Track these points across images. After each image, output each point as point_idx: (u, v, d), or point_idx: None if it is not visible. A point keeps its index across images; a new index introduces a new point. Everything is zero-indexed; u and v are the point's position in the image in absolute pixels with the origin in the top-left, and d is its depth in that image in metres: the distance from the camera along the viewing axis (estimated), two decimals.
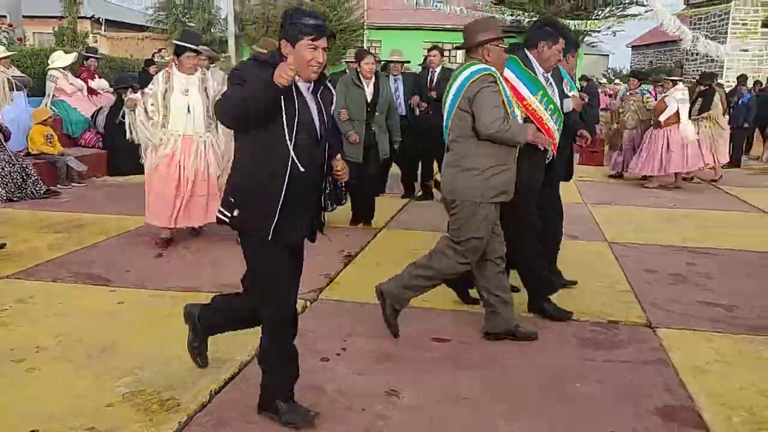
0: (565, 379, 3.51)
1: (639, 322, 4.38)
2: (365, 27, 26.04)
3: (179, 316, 4.18)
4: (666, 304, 4.72)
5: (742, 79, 13.98)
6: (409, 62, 9.25)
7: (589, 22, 22.67)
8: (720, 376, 3.57)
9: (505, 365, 3.68)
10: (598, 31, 23.85)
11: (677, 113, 9.87)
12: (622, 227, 7.15)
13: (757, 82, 16.86)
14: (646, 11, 25.02)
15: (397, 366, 3.64)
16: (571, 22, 21.78)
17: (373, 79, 6.75)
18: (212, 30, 26.48)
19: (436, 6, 22.57)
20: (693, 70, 24.17)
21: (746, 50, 23.87)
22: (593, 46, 28.56)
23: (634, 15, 24.94)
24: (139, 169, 9.73)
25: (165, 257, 5.69)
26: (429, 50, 8.69)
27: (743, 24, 24.04)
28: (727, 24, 24.08)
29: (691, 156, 9.91)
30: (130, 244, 6.11)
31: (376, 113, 6.76)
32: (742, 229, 7.32)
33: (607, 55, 41.64)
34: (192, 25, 26.03)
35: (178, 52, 5.79)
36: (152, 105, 5.75)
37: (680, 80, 10.23)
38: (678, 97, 9.84)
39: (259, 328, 3.12)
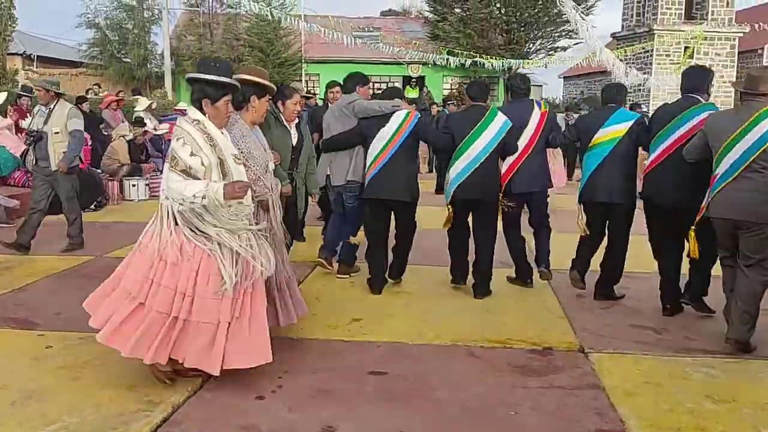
0: (499, 408, 3.55)
1: (572, 347, 4.48)
2: (303, 61, 26.22)
3: (110, 359, 4.10)
4: (598, 329, 4.84)
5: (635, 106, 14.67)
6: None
7: (527, 60, 23.38)
8: (650, 399, 3.67)
9: (441, 397, 3.70)
10: (528, 65, 24.60)
11: None
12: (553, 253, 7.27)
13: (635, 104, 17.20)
14: (575, 44, 26.07)
15: (334, 401, 3.61)
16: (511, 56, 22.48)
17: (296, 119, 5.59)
18: (148, 66, 26.22)
19: (373, 43, 22.93)
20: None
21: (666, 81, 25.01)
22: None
23: (564, 47, 25.95)
24: None
25: None
26: (330, 85, 8.09)
27: (667, 55, 25.24)
28: (651, 57, 25.25)
29: None
30: (61, 285, 5.93)
31: (299, 161, 5.62)
32: None
33: (541, 86, 42.99)
34: (128, 60, 25.75)
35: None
36: None
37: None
38: None
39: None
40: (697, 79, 5.12)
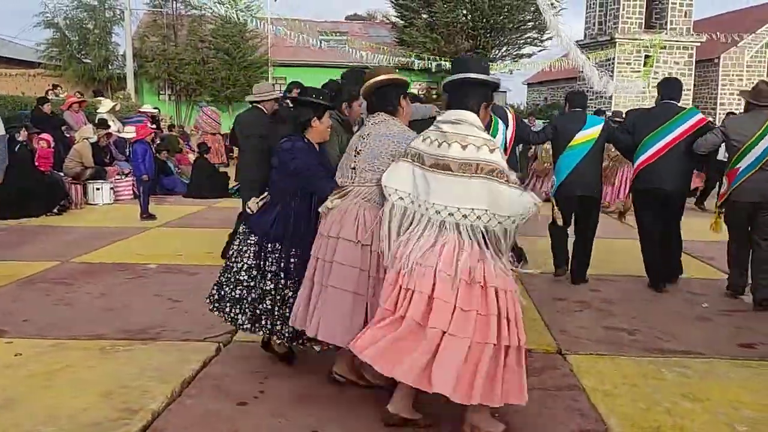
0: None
1: (550, 350, 4.53)
2: (270, 64, 26.07)
3: (82, 366, 4.00)
4: (574, 331, 4.90)
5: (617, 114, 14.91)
6: None
7: (492, 64, 23.59)
8: (628, 399, 3.73)
9: (424, 399, 3.68)
10: (493, 70, 24.84)
11: None
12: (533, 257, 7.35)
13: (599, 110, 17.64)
14: (540, 51, 26.47)
15: (319, 406, 3.58)
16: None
17: None
18: (110, 67, 25.76)
19: (341, 47, 22.94)
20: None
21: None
22: None
23: (529, 54, 26.30)
24: (34, 212, 9.35)
25: (66, 303, 5.40)
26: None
27: (627, 63, 25.74)
28: (613, 64, 25.73)
29: None
30: (26, 291, 5.76)
31: None
32: (636, 255, 7.68)
33: (505, 92, 43.52)
34: (88, 61, 25.26)
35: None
36: None
37: None
38: None
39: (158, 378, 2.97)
40: (674, 89, 6.11)
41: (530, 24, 25.91)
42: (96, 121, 12.76)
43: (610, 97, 25.34)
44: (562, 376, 4.05)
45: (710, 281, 6.49)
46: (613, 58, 25.83)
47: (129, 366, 4.04)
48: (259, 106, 6.63)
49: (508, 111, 6.29)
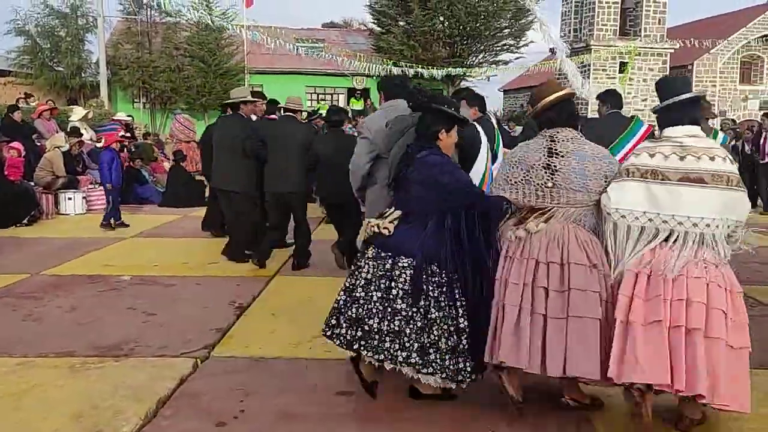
0: (474, 426, 3.41)
1: None
2: (246, 71, 25.81)
3: (51, 386, 3.78)
4: None
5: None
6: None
7: (466, 69, 23.65)
8: (620, 411, 3.59)
9: (414, 417, 3.53)
10: (472, 77, 24.88)
11: None
12: None
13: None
14: (516, 58, 26.56)
15: (303, 425, 3.39)
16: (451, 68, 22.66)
17: None
18: (82, 75, 25.28)
19: (319, 55, 22.78)
20: None
21: None
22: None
23: (506, 61, 26.37)
24: (3, 223, 9.04)
25: (34, 319, 5.14)
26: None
27: (603, 70, 25.93)
28: (588, 71, 25.90)
29: None
30: None
31: None
32: None
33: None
34: (60, 69, 24.80)
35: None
36: None
37: None
38: None
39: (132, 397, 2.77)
40: (620, 100, 6.13)
41: (506, 31, 25.97)
42: (68, 130, 12.43)
43: (587, 103, 25.48)
44: (555, 389, 3.90)
45: None
46: (589, 65, 26.01)
47: (101, 384, 3.82)
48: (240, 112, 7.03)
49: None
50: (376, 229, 3.46)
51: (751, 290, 6.27)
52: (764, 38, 28.81)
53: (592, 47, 25.79)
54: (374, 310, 3.36)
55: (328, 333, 3.58)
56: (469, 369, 3.35)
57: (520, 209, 3.47)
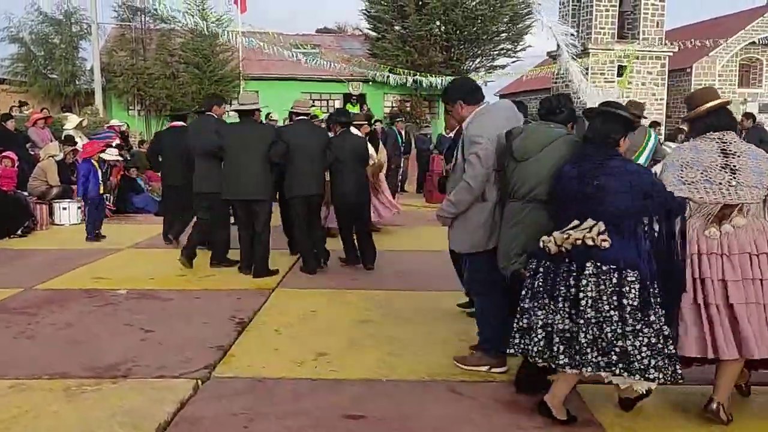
0: None
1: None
2: (241, 77, 25.60)
3: (44, 411, 3.58)
4: None
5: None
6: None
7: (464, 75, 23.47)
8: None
9: None
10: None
11: None
12: None
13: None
14: (514, 62, 26.42)
15: None
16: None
17: None
18: (77, 82, 25.06)
19: (317, 60, 22.64)
20: None
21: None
22: None
23: (503, 66, 26.23)
24: None
25: (27, 337, 4.93)
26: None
27: (601, 74, 25.81)
28: (587, 75, 25.77)
29: None
30: None
31: None
32: None
33: None
34: (54, 77, 24.58)
35: None
36: None
37: None
38: None
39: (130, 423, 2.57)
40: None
41: (504, 35, 25.80)
42: (62, 138, 12.21)
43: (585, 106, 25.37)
44: (575, 410, 3.71)
45: None
46: (587, 69, 25.88)
47: (97, 410, 3.62)
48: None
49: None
50: (590, 242, 3.30)
51: None
52: (764, 41, 28.76)
53: (590, 51, 25.65)
54: (619, 331, 3.25)
55: (564, 362, 3.35)
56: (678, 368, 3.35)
57: (699, 209, 3.54)
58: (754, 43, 28.60)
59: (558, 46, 23.81)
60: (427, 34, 24.08)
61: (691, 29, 30.31)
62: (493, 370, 4.22)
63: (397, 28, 24.98)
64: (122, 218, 11.41)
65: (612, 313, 3.24)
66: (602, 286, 3.27)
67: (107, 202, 11.76)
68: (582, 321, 3.27)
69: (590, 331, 3.26)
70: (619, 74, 26.25)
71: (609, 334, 3.23)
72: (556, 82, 27.62)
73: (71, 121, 13.56)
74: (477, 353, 4.35)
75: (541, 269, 3.50)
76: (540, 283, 3.48)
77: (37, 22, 24.56)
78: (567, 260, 3.37)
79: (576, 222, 3.39)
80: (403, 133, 16.07)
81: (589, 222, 3.35)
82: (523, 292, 3.57)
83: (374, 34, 26.06)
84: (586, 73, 25.52)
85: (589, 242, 3.29)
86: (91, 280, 6.75)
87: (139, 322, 5.29)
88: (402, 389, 4.00)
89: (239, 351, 4.64)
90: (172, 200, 8.50)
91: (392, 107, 25.91)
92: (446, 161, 6.31)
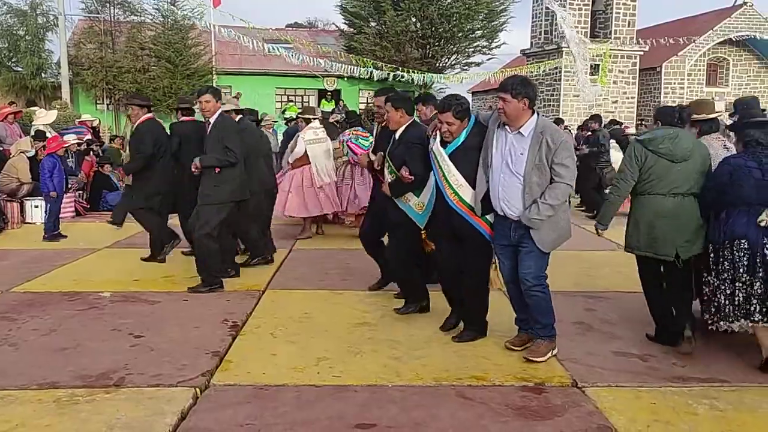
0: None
1: (565, 382, 4.12)
2: (214, 72, 25.20)
3: (34, 424, 3.40)
4: (583, 358, 4.52)
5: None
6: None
7: (438, 75, 23.45)
8: None
9: None
10: (447, 80, 24.69)
11: None
12: None
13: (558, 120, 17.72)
14: (489, 59, 26.49)
15: None
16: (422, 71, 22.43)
17: None
18: (43, 75, 24.42)
19: (286, 52, 22.36)
20: None
21: (577, 96, 25.76)
22: (441, 92, 29.65)
23: (478, 63, 26.28)
24: None
25: (10, 344, 4.69)
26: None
27: (574, 72, 25.92)
28: (560, 73, 25.93)
29: None
30: None
31: None
32: (623, 268, 7.39)
33: None
34: (19, 70, 23.93)
35: None
36: None
37: None
38: None
39: None
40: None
41: (479, 32, 25.85)
42: (32, 133, 11.81)
43: (559, 105, 25.56)
44: (589, 415, 3.64)
45: None
46: (560, 67, 26.01)
47: (92, 423, 3.44)
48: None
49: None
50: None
51: None
52: (731, 41, 29.23)
53: (564, 50, 25.77)
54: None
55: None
56: None
57: None
58: (722, 42, 29.03)
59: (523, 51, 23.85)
60: (403, 31, 24.01)
61: (660, 29, 30.68)
62: (554, 351, 4.54)
63: (373, 24, 24.86)
64: (96, 216, 11.07)
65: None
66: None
67: (80, 200, 11.47)
68: None
69: None
70: (592, 73, 26.43)
71: None
72: (538, 80, 27.68)
73: (43, 115, 13.15)
74: (542, 341, 4.50)
75: (726, 251, 4.38)
76: (736, 260, 4.33)
77: (1, 12, 23.90)
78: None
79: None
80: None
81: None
82: (713, 273, 4.46)
83: (350, 29, 25.89)
84: (559, 72, 25.68)
85: None
86: (71, 281, 6.50)
87: (127, 326, 5.08)
88: (409, 395, 3.89)
89: (236, 357, 4.47)
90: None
91: (368, 103, 25.76)
92: None
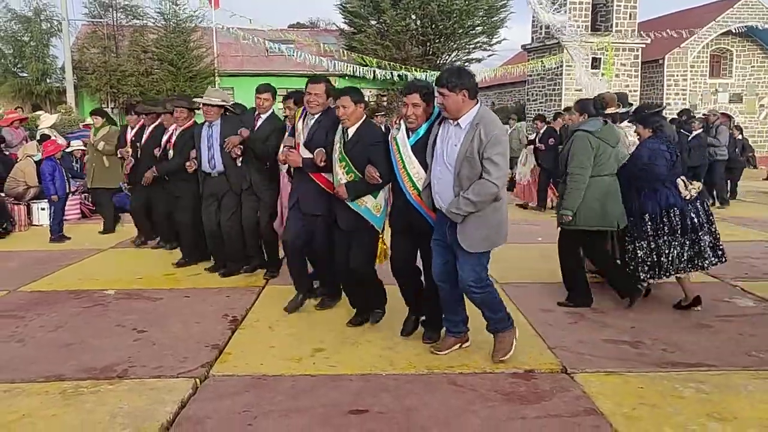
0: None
1: (554, 368, 4.24)
2: (216, 74, 25.39)
3: (41, 416, 3.53)
4: (574, 346, 4.63)
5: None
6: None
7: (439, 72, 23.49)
8: (652, 422, 3.46)
9: None
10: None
11: None
12: (505, 266, 7.06)
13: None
14: (489, 56, 26.54)
15: None
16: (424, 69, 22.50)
17: None
18: (48, 80, 24.67)
19: (288, 52, 22.50)
20: (534, 110, 25.75)
21: (580, 90, 25.79)
22: None
23: (479, 59, 26.34)
24: None
25: (17, 340, 4.84)
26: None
27: (583, 64, 25.95)
28: (561, 67, 25.97)
29: None
30: None
31: None
32: None
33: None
34: (24, 75, 24.17)
35: None
36: None
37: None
38: None
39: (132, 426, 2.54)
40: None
41: (479, 29, 25.93)
42: (38, 138, 11.99)
43: (561, 100, 25.59)
44: (576, 400, 3.75)
45: (696, 284, 6.32)
46: (562, 61, 26.06)
47: (97, 412, 3.58)
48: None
49: None
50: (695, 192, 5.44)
51: (753, 287, 6.23)
52: (733, 32, 29.17)
53: (564, 44, 25.82)
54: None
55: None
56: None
57: None
58: (724, 33, 28.98)
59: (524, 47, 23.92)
60: (404, 29, 24.11)
61: (662, 21, 30.66)
62: (516, 336, 4.45)
63: (373, 22, 24.97)
64: (101, 218, 11.20)
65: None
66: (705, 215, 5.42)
67: (86, 202, 11.63)
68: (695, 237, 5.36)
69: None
70: (594, 66, 26.46)
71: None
72: (531, 75, 27.76)
73: (46, 120, 13.34)
74: (503, 335, 4.38)
75: (665, 218, 5.36)
76: (660, 226, 5.36)
77: (5, 19, 24.22)
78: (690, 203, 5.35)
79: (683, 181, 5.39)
80: (383, 127, 16.05)
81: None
82: (643, 237, 5.43)
83: (350, 28, 26.01)
84: (560, 66, 25.72)
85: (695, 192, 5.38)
86: (77, 280, 6.66)
87: (131, 322, 5.23)
88: (402, 383, 4.01)
89: (235, 349, 4.61)
90: None
91: (369, 101, 25.88)
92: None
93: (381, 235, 4.84)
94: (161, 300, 5.93)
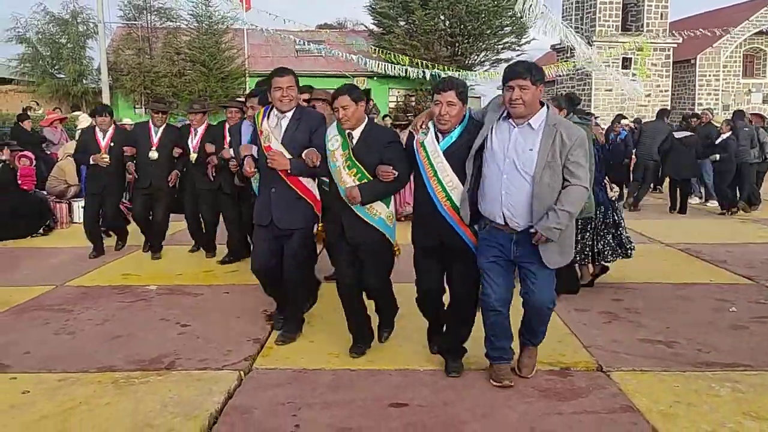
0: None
1: (590, 366, 4.30)
2: (247, 74, 25.71)
3: (97, 404, 3.69)
4: (609, 345, 4.69)
5: (618, 117, 14.79)
6: None
7: (468, 72, 23.55)
8: (688, 420, 3.51)
9: (474, 430, 3.45)
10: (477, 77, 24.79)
11: None
12: None
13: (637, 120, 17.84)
14: (518, 55, 26.46)
15: None
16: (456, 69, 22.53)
17: None
18: (84, 81, 25.20)
19: (320, 51, 22.72)
20: None
21: (610, 90, 25.63)
22: (471, 89, 29.73)
23: (508, 59, 26.25)
24: (20, 233, 8.95)
25: (68, 332, 5.05)
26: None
27: (606, 66, 25.81)
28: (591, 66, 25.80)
29: None
30: (22, 320, 5.40)
31: None
32: (649, 261, 7.53)
33: (479, 97, 43.63)
34: (62, 76, 24.72)
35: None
36: None
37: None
38: None
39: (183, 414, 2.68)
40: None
41: (508, 29, 25.89)
42: (77, 137, 12.30)
43: (591, 99, 25.46)
44: (612, 397, 3.82)
45: (730, 285, 6.34)
46: (590, 62, 25.92)
47: (148, 402, 3.74)
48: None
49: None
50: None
51: None
52: (764, 32, 28.74)
53: (595, 43, 25.71)
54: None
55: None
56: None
57: None
58: (758, 33, 28.57)
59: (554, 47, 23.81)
60: (432, 29, 24.18)
61: (694, 20, 30.31)
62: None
63: (402, 23, 25.07)
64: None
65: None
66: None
67: (123, 200, 11.90)
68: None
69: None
70: (624, 66, 26.28)
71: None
72: (560, 75, 27.62)
73: (84, 120, 13.65)
74: (532, 349, 4.18)
75: (609, 212, 6.16)
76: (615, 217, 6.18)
77: (43, 22, 24.80)
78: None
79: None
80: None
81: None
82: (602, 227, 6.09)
83: (378, 29, 26.14)
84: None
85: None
86: (120, 276, 6.87)
87: (174, 316, 5.40)
88: (440, 378, 4.11)
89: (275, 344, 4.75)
90: None
91: (397, 102, 26.01)
92: None
93: (396, 247, 4.38)
94: (202, 295, 6.11)
